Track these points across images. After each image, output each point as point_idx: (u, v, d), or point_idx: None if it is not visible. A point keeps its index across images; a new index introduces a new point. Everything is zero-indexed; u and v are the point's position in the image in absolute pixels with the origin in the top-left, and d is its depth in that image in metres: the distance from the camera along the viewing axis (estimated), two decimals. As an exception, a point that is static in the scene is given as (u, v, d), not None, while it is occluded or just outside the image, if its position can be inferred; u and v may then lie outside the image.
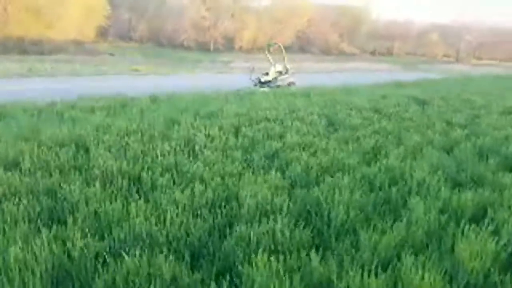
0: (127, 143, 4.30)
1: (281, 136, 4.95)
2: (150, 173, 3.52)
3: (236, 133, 5.18)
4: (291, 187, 3.57)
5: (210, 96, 8.46)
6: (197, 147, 4.33)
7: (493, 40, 51.55)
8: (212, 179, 3.46)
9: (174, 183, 3.43)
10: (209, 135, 4.83)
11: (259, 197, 3.10)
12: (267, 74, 11.91)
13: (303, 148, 4.47)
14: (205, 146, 4.37)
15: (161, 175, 3.50)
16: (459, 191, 3.40)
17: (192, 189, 3.19)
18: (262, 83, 11.66)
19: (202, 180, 3.47)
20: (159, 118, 5.63)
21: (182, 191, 3.18)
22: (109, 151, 4.00)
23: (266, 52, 12.56)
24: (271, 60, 12.30)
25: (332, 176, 3.70)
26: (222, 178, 3.49)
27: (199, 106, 6.90)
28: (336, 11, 52.36)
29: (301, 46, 52.48)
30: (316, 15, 51.16)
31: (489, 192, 3.34)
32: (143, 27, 46.81)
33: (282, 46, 12.35)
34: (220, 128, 5.19)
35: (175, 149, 4.20)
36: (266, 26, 49.99)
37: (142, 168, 3.62)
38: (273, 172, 3.69)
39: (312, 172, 3.83)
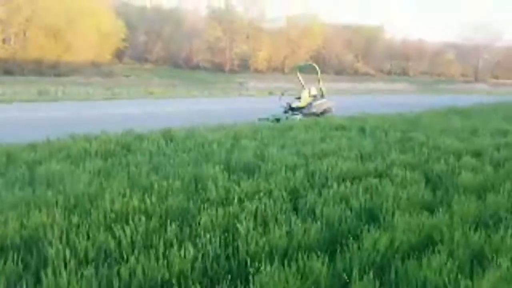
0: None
1: (383, 228, 2.85)
2: None
3: (295, 204, 3.15)
4: None
5: (238, 129, 6.46)
6: (241, 248, 2.30)
7: (509, 60, 49.07)
8: None
9: None
10: (256, 214, 2.80)
11: None
12: (299, 98, 9.92)
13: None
14: (255, 252, 2.32)
15: None
16: None
17: None
18: (293, 110, 9.64)
19: None
20: (177, 174, 3.64)
21: None
22: None
23: (298, 73, 10.58)
24: (303, 82, 10.32)
25: None
26: None
27: (227, 147, 4.91)
28: (351, 31, 50.71)
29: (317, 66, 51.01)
30: (330, 35, 49.64)
31: None
32: (159, 49, 45.85)
33: (316, 66, 10.38)
34: (270, 196, 3.17)
35: (202, 260, 2.18)
36: (280, 47, 48.69)
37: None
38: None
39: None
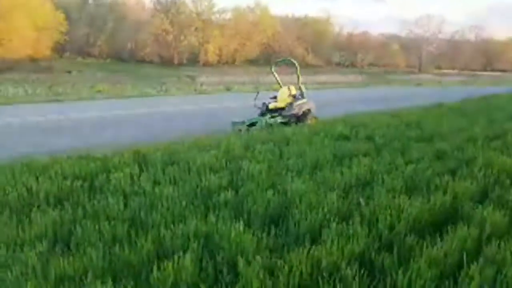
0: None
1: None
2: None
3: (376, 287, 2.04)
4: None
5: (226, 144, 5.20)
6: None
7: (450, 51, 51.59)
8: None
9: None
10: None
11: None
12: (274, 98, 8.75)
13: None
14: None
15: None
16: None
17: None
18: (271, 111, 8.46)
19: None
20: (176, 234, 2.39)
21: None
22: None
23: (273, 70, 9.43)
24: (279, 80, 9.20)
25: None
26: None
27: (228, 178, 3.68)
28: (300, 24, 50.46)
29: (267, 59, 50.55)
30: (280, 28, 49.08)
31: None
32: (102, 42, 42.69)
33: (296, 62, 9.27)
34: (336, 274, 2.04)
35: None
36: (230, 39, 47.32)
37: None
38: None
39: None
